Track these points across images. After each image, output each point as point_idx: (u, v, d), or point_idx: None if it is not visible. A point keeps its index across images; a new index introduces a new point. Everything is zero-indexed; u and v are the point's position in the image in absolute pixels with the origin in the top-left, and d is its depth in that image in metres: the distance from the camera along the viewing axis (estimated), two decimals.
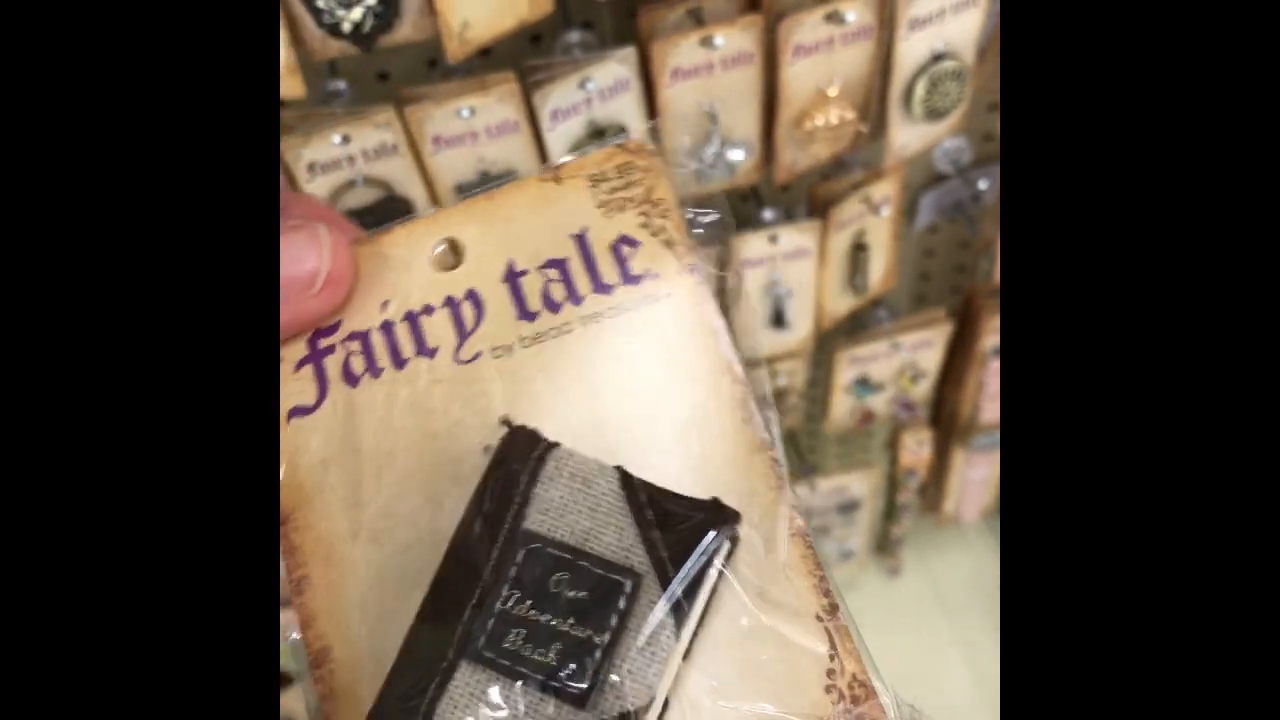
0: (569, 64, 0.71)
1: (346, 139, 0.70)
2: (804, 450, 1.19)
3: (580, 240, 0.33)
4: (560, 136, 0.73)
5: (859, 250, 0.90)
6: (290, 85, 0.66)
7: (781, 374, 1.00)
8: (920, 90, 0.76)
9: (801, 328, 0.93)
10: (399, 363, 0.33)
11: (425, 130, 0.71)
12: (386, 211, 0.74)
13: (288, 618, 0.34)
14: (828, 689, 0.29)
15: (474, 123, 0.71)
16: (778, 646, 0.30)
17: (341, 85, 0.73)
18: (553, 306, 0.33)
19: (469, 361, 0.33)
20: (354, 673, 0.31)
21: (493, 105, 0.71)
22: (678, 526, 0.29)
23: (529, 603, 0.28)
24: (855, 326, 1.03)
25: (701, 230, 0.34)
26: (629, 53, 0.72)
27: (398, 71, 0.80)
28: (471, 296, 0.34)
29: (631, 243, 0.33)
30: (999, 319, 0.99)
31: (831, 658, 0.30)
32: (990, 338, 1.02)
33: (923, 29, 0.74)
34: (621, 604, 0.28)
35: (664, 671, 0.28)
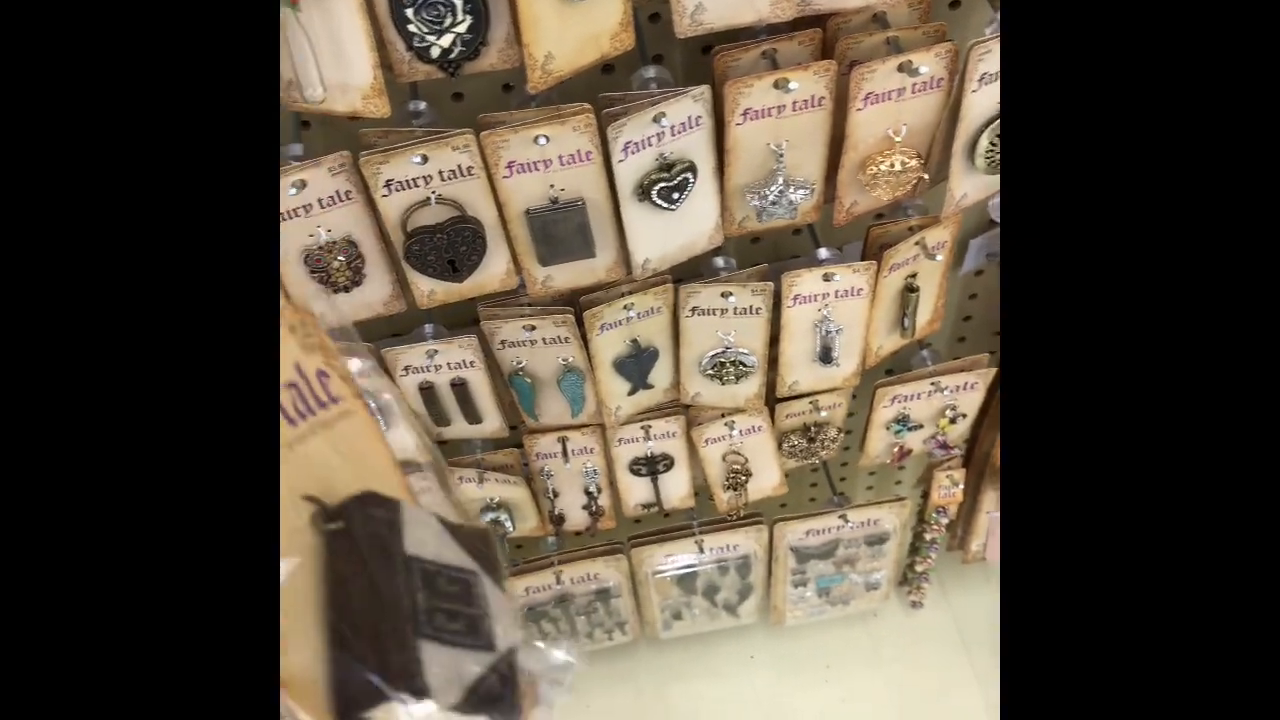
0: (645, 98, 0.73)
1: (425, 159, 0.72)
2: (834, 480, 1.20)
3: (298, 369, 0.46)
4: (630, 168, 0.75)
5: (909, 292, 0.91)
6: (377, 105, 0.68)
7: (823, 408, 1.02)
8: (985, 143, 0.77)
9: (848, 365, 0.94)
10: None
11: (501, 155, 0.73)
12: (455, 230, 0.76)
13: None
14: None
15: (548, 150, 0.73)
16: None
17: (422, 106, 0.75)
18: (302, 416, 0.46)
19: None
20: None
21: (568, 135, 0.72)
22: (468, 539, 0.47)
23: (436, 597, 0.44)
24: (898, 365, 1.05)
25: None
26: (704, 90, 0.73)
27: (473, 93, 0.82)
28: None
29: (325, 375, 0.46)
30: None
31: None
32: None
33: (992, 83, 0.75)
34: (478, 588, 0.46)
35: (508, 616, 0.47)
